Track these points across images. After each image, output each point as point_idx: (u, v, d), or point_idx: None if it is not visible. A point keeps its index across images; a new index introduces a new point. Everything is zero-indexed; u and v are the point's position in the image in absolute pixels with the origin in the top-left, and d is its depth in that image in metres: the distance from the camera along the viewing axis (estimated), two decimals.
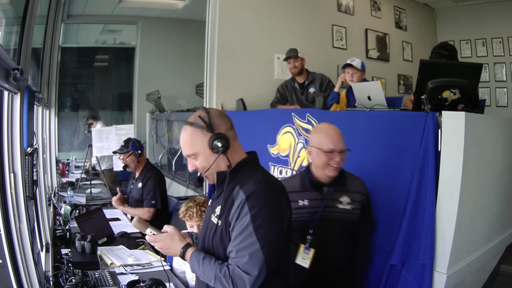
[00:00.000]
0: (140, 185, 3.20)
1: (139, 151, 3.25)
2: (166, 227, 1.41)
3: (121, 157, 3.25)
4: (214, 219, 1.32)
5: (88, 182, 4.38)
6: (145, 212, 3.10)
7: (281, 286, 1.35)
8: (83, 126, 5.40)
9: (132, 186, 3.31)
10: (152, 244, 1.42)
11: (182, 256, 1.34)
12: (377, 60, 4.95)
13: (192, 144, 1.30)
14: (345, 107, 3.22)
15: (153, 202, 3.12)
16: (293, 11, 4.21)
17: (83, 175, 4.56)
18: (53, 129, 4.27)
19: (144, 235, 1.57)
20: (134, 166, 3.25)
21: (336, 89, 3.25)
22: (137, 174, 3.29)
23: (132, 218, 3.14)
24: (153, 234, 1.41)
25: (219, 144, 1.26)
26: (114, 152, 3.42)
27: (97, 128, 4.66)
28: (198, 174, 1.39)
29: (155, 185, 3.16)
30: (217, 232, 1.30)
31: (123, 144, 3.26)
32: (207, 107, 3.84)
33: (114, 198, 3.17)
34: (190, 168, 1.35)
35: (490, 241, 2.23)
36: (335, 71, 4.40)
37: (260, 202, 1.21)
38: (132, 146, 3.21)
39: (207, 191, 3.78)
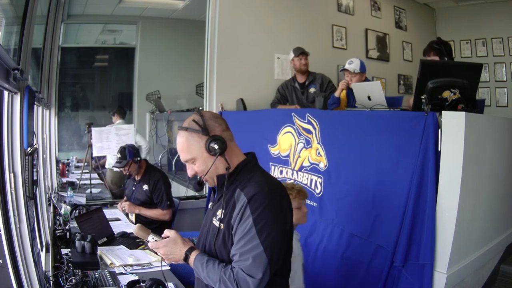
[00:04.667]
0: (146, 187, 3.15)
1: (138, 158, 3.17)
2: (167, 232, 1.39)
3: (119, 169, 3.16)
4: (216, 222, 1.32)
5: (88, 182, 4.38)
6: (165, 214, 3.11)
7: (282, 285, 1.35)
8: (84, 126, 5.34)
9: (134, 188, 3.25)
10: (155, 250, 1.40)
11: (186, 260, 1.34)
12: (377, 60, 4.95)
13: (189, 148, 1.30)
14: (345, 107, 3.23)
15: (168, 203, 3.12)
16: (293, 11, 4.21)
17: (83, 175, 4.55)
18: (53, 129, 4.26)
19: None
20: (137, 171, 3.19)
21: (336, 94, 3.25)
22: (138, 177, 3.22)
23: (135, 219, 3.13)
24: (155, 240, 1.39)
25: (216, 146, 1.26)
26: (115, 166, 3.31)
27: (97, 128, 4.64)
28: (198, 178, 1.39)
29: (166, 187, 3.16)
30: (220, 235, 1.30)
31: (119, 156, 3.13)
32: (207, 107, 3.84)
33: (125, 205, 3.14)
34: (190, 173, 1.35)
35: (490, 241, 2.23)
36: (335, 71, 4.41)
37: (262, 205, 1.21)
38: (129, 155, 3.11)
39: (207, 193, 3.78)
